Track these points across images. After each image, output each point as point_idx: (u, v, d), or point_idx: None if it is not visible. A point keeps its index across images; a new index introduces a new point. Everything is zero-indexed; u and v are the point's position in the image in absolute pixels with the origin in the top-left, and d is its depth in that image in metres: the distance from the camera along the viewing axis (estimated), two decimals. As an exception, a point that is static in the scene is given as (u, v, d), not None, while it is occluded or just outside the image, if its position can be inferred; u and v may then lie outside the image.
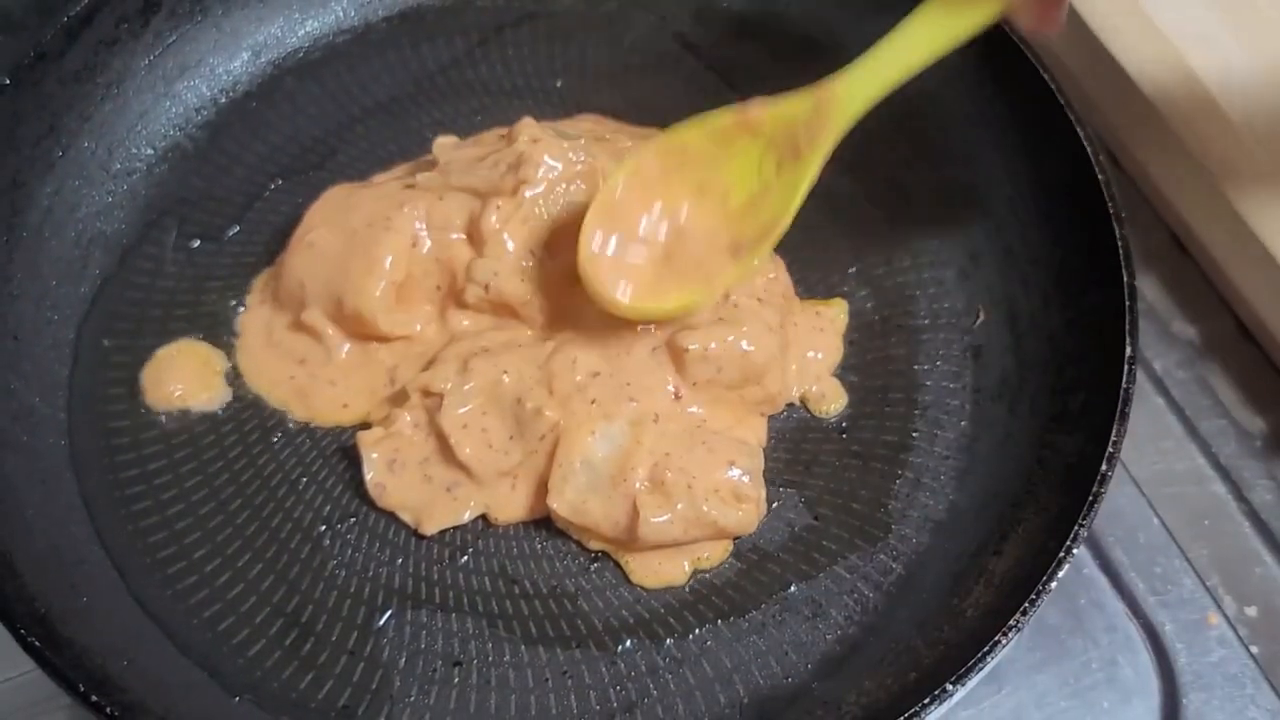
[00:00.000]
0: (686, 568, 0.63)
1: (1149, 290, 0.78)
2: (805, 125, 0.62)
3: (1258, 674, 0.65)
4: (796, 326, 0.69)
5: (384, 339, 0.68)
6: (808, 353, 0.69)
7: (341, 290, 0.68)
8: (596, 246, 0.63)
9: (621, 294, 0.63)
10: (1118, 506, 0.70)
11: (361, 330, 0.68)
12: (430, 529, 0.64)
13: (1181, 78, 0.74)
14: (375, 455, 0.64)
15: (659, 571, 0.63)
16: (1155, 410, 0.74)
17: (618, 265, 0.63)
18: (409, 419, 0.64)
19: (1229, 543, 0.69)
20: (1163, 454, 0.72)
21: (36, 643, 0.53)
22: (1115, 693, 0.65)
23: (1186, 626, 0.66)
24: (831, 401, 0.68)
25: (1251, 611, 0.67)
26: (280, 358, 0.69)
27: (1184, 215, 0.77)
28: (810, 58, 0.79)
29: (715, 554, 0.63)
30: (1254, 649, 0.66)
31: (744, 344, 0.64)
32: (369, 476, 0.64)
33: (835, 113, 0.62)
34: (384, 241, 0.67)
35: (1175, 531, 0.69)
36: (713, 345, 0.64)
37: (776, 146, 0.63)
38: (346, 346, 0.69)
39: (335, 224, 0.69)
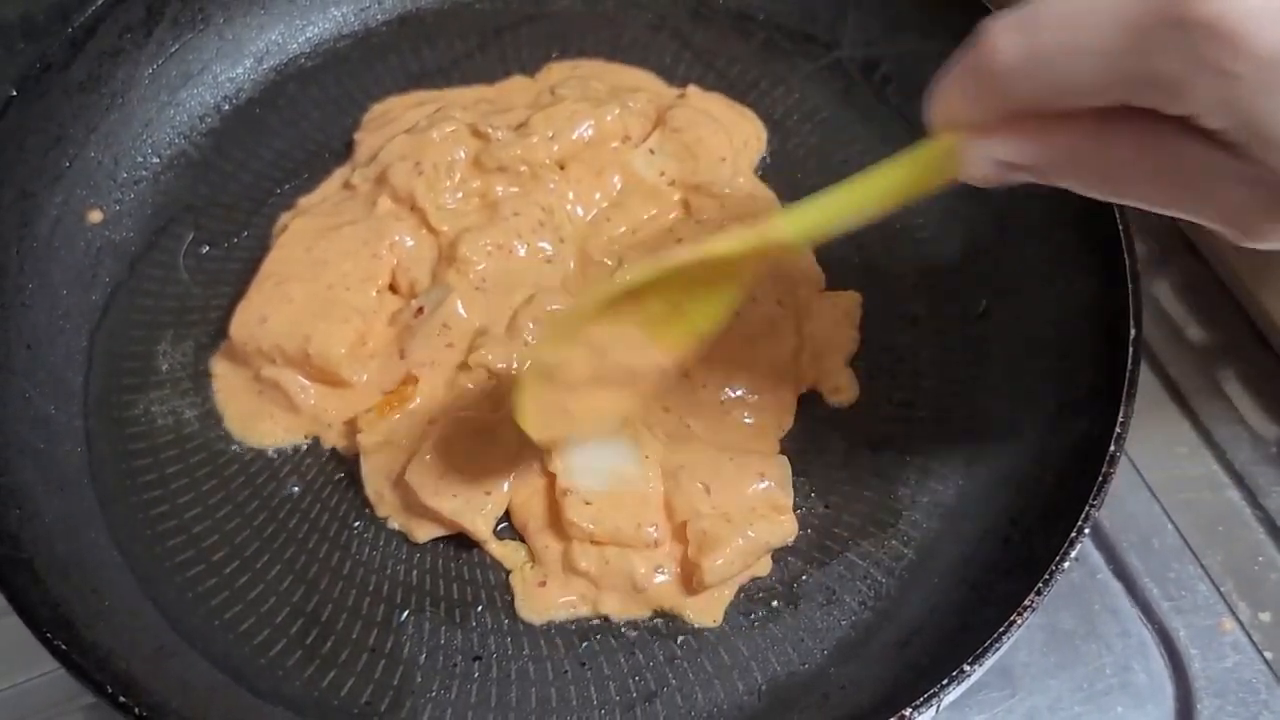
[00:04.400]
0: (732, 592, 0.63)
1: (1163, 295, 0.77)
2: (743, 261, 0.54)
3: (1271, 680, 0.65)
4: (815, 317, 0.69)
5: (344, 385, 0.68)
6: (824, 343, 0.69)
7: (308, 339, 0.67)
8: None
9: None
10: (1131, 512, 0.70)
11: (324, 377, 0.68)
12: (422, 537, 0.64)
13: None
14: (373, 464, 0.65)
15: (718, 599, 0.62)
16: (1169, 416, 0.73)
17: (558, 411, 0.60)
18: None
19: (1243, 549, 0.69)
20: (1177, 459, 0.72)
21: (63, 646, 0.54)
22: (1129, 698, 0.64)
23: (1200, 632, 0.66)
24: (845, 391, 0.68)
25: (1265, 617, 0.67)
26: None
27: (1197, 219, 0.77)
28: (806, 54, 0.81)
29: (762, 565, 0.63)
30: (1268, 655, 0.66)
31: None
32: (368, 487, 0.65)
33: (775, 251, 0.53)
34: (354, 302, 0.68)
35: (1189, 537, 0.69)
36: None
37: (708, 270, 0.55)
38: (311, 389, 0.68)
39: (304, 276, 0.69)
